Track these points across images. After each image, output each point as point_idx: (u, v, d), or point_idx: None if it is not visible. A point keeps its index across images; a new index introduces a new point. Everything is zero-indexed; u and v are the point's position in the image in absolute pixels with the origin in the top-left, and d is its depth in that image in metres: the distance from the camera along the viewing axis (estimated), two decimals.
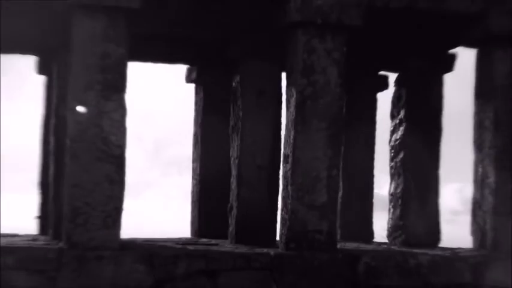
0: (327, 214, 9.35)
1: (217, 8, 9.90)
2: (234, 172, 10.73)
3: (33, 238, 10.30)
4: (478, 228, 10.08)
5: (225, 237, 10.90)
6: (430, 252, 10.05)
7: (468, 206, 10.34)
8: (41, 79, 11.91)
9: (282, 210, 9.58)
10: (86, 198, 8.66)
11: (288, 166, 9.41)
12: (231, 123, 10.99)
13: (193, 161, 12.56)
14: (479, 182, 10.06)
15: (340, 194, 10.36)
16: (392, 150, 11.74)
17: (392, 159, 11.73)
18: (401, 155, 11.50)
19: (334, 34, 9.42)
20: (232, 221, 10.65)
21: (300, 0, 9.26)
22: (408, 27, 10.53)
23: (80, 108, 8.76)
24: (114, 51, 8.82)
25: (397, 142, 11.63)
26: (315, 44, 9.38)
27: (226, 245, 10.07)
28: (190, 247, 9.53)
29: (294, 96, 9.44)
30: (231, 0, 9.56)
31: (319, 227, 9.31)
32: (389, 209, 11.73)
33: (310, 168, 9.32)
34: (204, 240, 11.03)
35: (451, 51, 11.34)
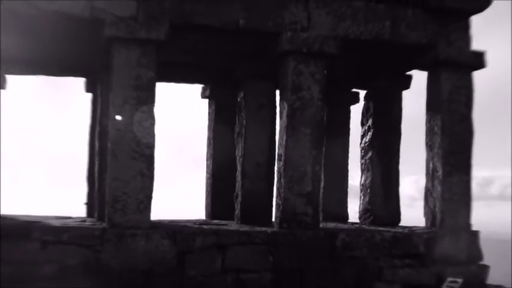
0: (312, 200, 9.35)
1: (226, 41, 9.90)
2: (239, 168, 10.73)
3: (83, 220, 10.30)
4: (429, 211, 10.08)
5: (232, 219, 10.89)
6: (392, 230, 10.05)
7: (422, 194, 10.33)
8: (88, 96, 11.91)
9: (277, 197, 9.58)
10: (124, 188, 8.69)
11: (281, 163, 9.42)
12: (237, 130, 10.97)
13: (207, 159, 12.54)
14: (431, 175, 10.06)
15: (322, 184, 10.34)
16: (363, 151, 11.72)
17: (362, 157, 11.72)
18: (369, 154, 11.49)
19: (317, 60, 9.42)
20: (237, 206, 10.64)
21: (290, 34, 9.28)
22: (374, 54, 10.50)
23: (118, 118, 8.78)
24: (145, 74, 8.84)
25: (366, 144, 11.62)
26: (301, 68, 9.39)
27: (233, 225, 10.06)
28: (205, 226, 9.53)
29: (286, 108, 9.45)
30: (236, 35, 9.56)
31: (305, 210, 9.31)
32: (360, 197, 11.71)
33: (298, 164, 9.33)
34: (215, 221, 11.02)
35: (408, 73, 11.30)
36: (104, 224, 8.87)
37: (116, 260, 8.46)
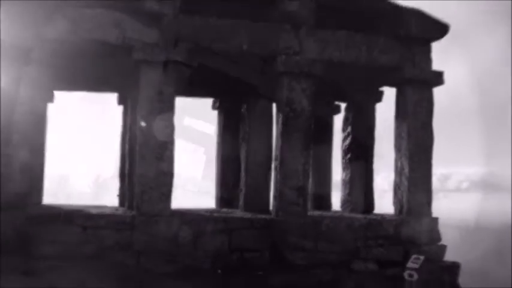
0: (302, 193, 9.37)
1: (232, 62, 9.95)
2: (242, 166, 10.76)
3: (116, 209, 10.32)
4: (397, 201, 10.11)
5: (237, 207, 10.93)
6: (368, 216, 10.11)
7: (392, 187, 10.36)
8: (120, 108, 11.92)
9: (274, 191, 9.62)
10: (149, 183, 8.73)
11: (277, 162, 9.46)
12: (241, 135, 11.01)
13: (216, 160, 12.56)
14: (399, 172, 10.09)
15: (310, 180, 10.36)
16: (343, 152, 11.77)
17: (343, 157, 11.76)
18: (349, 155, 11.54)
19: (307, 79, 9.47)
20: (241, 198, 10.68)
21: (284, 57, 9.33)
22: (354, 73, 10.56)
23: (143, 124, 8.81)
24: (166, 90, 8.89)
25: (346, 147, 11.66)
26: (294, 85, 9.43)
27: (238, 213, 10.10)
28: (215, 214, 9.58)
29: (281, 118, 9.49)
30: (240, 58, 9.62)
31: (297, 201, 9.32)
32: (341, 189, 11.75)
33: (291, 163, 9.35)
34: (224, 210, 11.04)
35: (380, 89, 11.35)
36: (133, 212, 8.91)
37: (143, 241, 8.49)
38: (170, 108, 8.95)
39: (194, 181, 8.63)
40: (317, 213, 10.89)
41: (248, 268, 8.81)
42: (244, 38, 9.27)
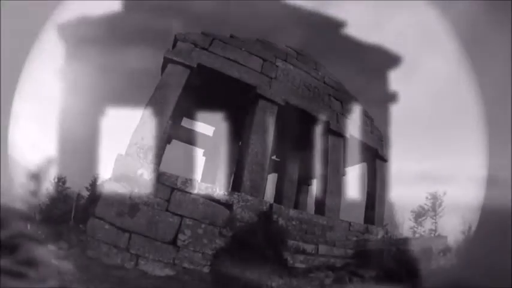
0: (294, 187, 9.77)
1: (234, 81, 10.11)
2: (244, 164, 10.71)
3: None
4: (366, 192, 10.54)
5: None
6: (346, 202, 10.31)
7: (363, 179, 10.80)
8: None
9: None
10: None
11: (272, 162, 9.89)
12: (243, 139, 10.95)
13: (225, 159, 12.57)
14: (366, 169, 10.50)
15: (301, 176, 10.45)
16: (323, 154, 11.54)
17: (323, 158, 11.54)
18: (327, 157, 11.36)
19: (297, 95, 9.77)
20: (242, 188, 10.62)
21: (280, 77, 9.68)
22: (332, 92, 10.82)
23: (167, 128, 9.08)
24: (185, 102, 9.15)
25: (325, 150, 11.48)
26: (288, 96, 9.71)
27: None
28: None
29: (276, 125, 9.77)
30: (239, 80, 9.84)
31: (290, 193, 9.67)
32: (321, 182, 11.31)
33: (284, 163, 9.65)
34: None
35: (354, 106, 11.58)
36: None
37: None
38: (191, 110, 9.21)
39: (193, 183, 8.59)
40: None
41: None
42: (240, 66, 9.48)
